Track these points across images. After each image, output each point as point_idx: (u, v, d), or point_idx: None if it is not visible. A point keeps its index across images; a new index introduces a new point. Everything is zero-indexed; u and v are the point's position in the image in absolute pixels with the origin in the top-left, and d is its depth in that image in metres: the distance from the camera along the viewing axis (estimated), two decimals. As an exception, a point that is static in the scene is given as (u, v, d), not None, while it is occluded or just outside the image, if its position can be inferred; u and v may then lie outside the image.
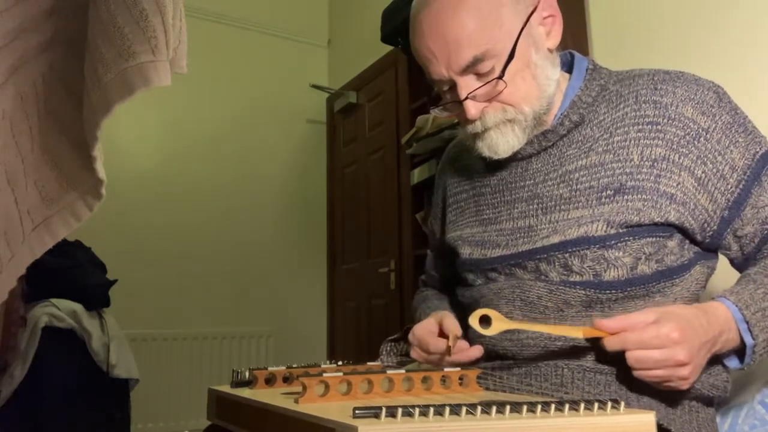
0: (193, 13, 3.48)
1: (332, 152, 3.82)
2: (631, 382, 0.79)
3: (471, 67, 0.84)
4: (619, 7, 1.91)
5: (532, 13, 0.86)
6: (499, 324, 0.80)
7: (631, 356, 0.72)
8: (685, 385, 0.73)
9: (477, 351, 0.90)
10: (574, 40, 1.98)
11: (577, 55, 0.95)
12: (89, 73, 0.60)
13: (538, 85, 0.86)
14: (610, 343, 0.74)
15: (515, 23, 0.84)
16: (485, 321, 0.80)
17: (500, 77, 0.83)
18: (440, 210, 1.13)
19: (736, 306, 0.77)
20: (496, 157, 0.89)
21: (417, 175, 2.77)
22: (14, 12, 0.62)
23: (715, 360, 0.80)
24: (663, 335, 0.71)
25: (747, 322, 0.76)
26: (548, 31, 0.89)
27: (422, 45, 0.86)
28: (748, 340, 0.76)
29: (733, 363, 0.81)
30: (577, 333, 0.78)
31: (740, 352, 0.79)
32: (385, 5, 2.77)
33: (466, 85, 0.85)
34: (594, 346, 0.82)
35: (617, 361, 0.77)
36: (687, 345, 0.70)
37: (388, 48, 3.01)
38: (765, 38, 1.53)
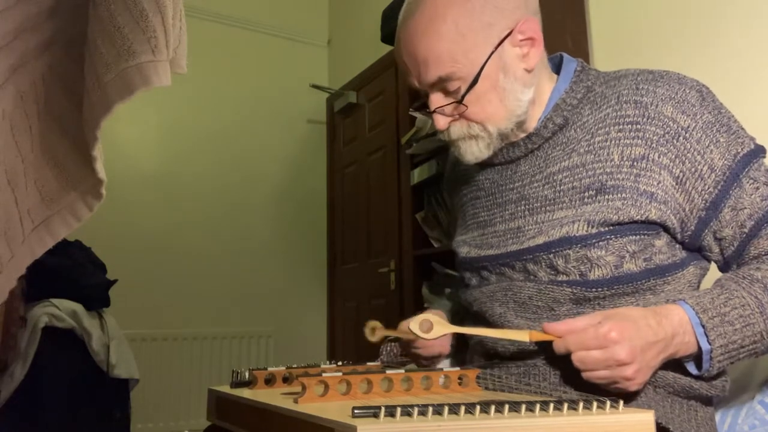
0: (193, 13, 3.48)
1: (332, 152, 3.82)
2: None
3: (438, 85, 0.87)
4: (619, 8, 1.91)
5: (506, 36, 0.86)
6: (440, 328, 0.82)
7: (575, 358, 0.73)
8: (632, 387, 0.73)
9: (440, 348, 0.98)
10: (574, 40, 1.98)
11: (566, 56, 0.96)
12: (89, 73, 0.60)
13: (505, 107, 0.88)
14: (557, 346, 0.75)
15: (484, 49, 0.85)
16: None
17: (460, 101, 0.86)
18: (452, 216, 1.16)
19: (693, 310, 0.76)
20: (466, 163, 0.93)
21: (417, 175, 2.77)
22: (14, 12, 0.62)
23: (678, 364, 0.80)
24: (601, 335, 0.71)
25: (703, 327, 0.75)
26: (525, 53, 0.88)
27: (399, 58, 0.91)
28: (704, 345, 0.75)
29: (692, 369, 0.79)
30: (524, 337, 0.78)
31: (701, 357, 0.78)
32: (385, 5, 2.77)
33: (435, 99, 0.89)
34: None
35: None
36: (627, 344, 0.70)
37: (388, 48, 3.01)
38: (765, 39, 1.53)
